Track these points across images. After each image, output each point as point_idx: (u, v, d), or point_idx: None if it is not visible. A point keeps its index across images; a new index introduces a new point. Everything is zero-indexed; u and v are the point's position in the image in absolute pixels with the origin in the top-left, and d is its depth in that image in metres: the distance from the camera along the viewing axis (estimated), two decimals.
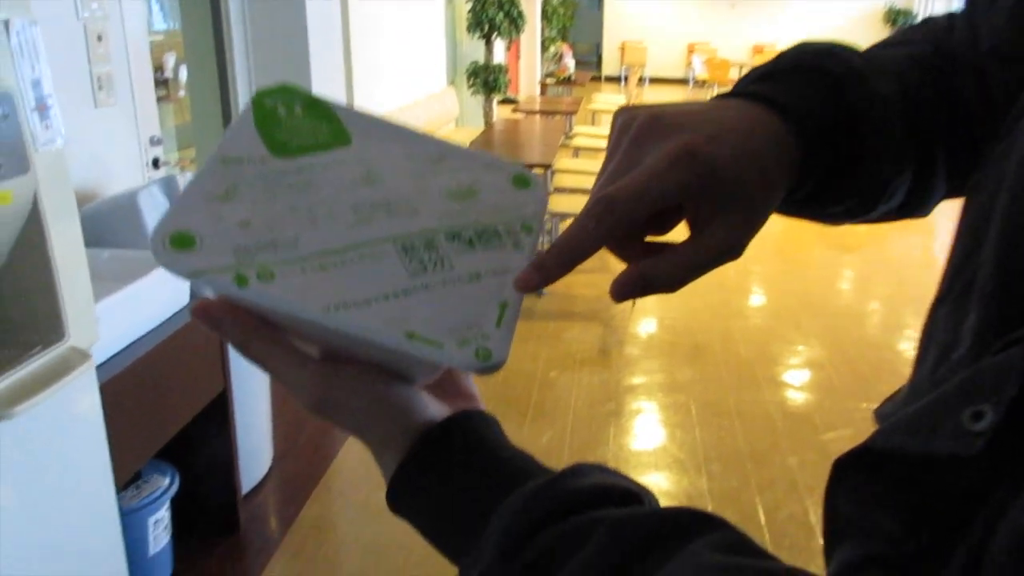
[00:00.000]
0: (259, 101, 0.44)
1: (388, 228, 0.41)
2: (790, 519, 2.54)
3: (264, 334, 0.40)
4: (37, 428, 1.39)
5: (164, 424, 1.93)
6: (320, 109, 0.45)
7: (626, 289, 0.39)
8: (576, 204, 4.47)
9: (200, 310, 0.39)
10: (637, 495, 0.38)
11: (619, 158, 0.41)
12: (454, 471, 0.40)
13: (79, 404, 1.51)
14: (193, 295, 2.07)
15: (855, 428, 3.10)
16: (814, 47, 0.46)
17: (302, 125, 0.44)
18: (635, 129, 0.41)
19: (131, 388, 1.76)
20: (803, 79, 0.44)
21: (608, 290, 0.39)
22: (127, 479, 1.94)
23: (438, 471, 0.40)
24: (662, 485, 2.71)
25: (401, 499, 0.41)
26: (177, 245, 0.37)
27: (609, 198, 0.38)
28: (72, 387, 1.41)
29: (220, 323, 0.39)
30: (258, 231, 0.39)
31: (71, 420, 1.50)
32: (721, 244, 0.39)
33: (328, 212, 0.41)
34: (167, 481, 2.04)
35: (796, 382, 3.56)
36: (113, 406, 1.62)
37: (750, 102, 0.43)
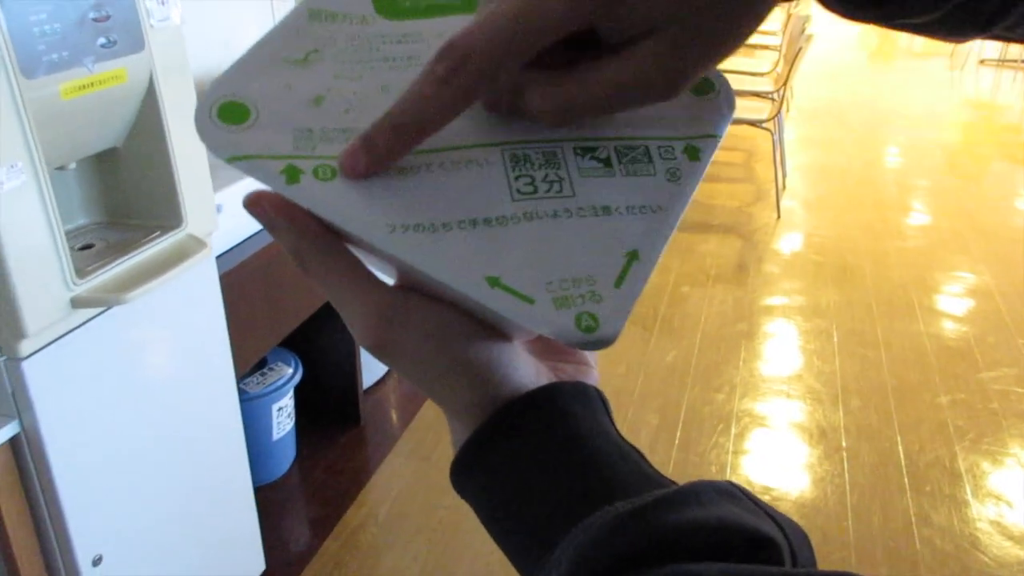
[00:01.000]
0: None
1: (504, 129, 0.30)
2: (934, 463, 2.33)
3: (325, 246, 0.30)
4: (156, 314, 1.41)
5: (286, 315, 1.95)
6: None
7: (550, 116, 0.29)
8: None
9: (253, 203, 0.30)
10: (771, 540, 0.26)
11: None
12: (532, 458, 0.30)
13: (198, 291, 1.52)
14: None
15: (1022, 368, 2.79)
16: None
17: None
18: None
19: (253, 278, 1.77)
20: None
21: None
22: (250, 366, 1.98)
23: (511, 455, 0.30)
24: (793, 416, 2.54)
25: (463, 480, 0.32)
26: (226, 117, 0.29)
27: (461, 45, 0.26)
28: (190, 274, 1.40)
29: (273, 224, 0.30)
30: (331, 112, 0.30)
31: (190, 307, 1.51)
32: (648, 76, 0.27)
33: None
34: (291, 370, 2.08)
35: (957, 312, 3.23)
36: (234, 295, 1.63)
37: None
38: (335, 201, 0.28)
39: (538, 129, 0.30)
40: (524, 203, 0.29)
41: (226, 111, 0.29)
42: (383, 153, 0.28)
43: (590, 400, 0.31)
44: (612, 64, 0.28)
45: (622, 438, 0.31)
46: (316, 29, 0.32)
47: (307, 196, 0.28)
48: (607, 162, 0.30)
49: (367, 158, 0.28)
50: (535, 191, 0.29)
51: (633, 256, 0.28)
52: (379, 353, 0.30)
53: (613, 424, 0.31)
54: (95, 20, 1.15)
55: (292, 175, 0.28)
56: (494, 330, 0.31)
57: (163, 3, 1.29)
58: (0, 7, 1.01)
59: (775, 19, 7.40)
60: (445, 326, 0.30)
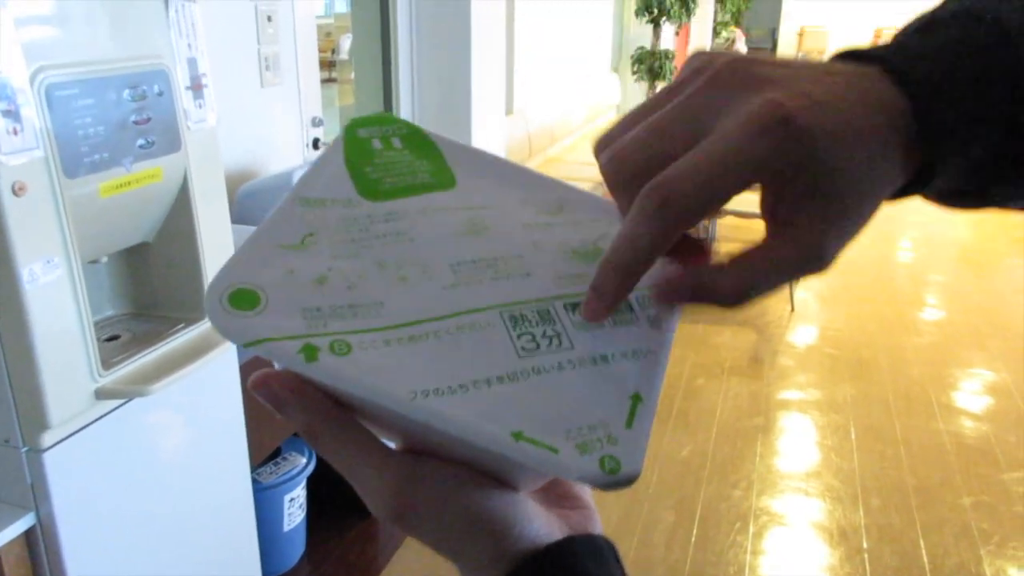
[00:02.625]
0: (351, 132, 0.37)
1: (494, 293, 0.33)
2: (960, 568, 2.26)
3: (336, 421, 0.31)
4: (176, 404, 1.42)
5: None
6: (422, 142, 0.38)
7: (674, 296, 0.31)
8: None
9: (260, 384, 0.31)
10: None
11: (683, 100, 0.30)
12: None
13: (218, 382, 1.53)
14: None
15: None
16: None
17: (399, 161, 0.37)
18: (713, 70, 0.30)
19: (272, 367, 1.78)
20: (959, 33, 0.31)
21: (651, 291, 0.31)
22: (265, 456, 1.98)
23: None
24: (812, 515, 2.49)
25: None
26: (237, 304, 0.30)
27: (665, 187, 0.28)
28: (212, 365, 1.42)
29: (282, 403, 0.31)
30: (336, 291, 0.32)
31: (210, 397, 1.52)
32: (804, 251, 0.30)
33: (422, 270, 0.33)
34: (304, 460, 2.08)
35: (975, 410, 3.19)
36: None
37: (867, 66, 0.31)
38: (355, 374, 0.29)
39: (524, 289, 0.33)
40: (530, 359, 0.30)
41: (236, 298, 0.30)
42: (612, 293, 0.30)
43: (601, 553, 0.33)
44: (788, 240, 0.30)
45: None
46: (308, 215, 0.34)
47: (327, 372, 0.29)
48: None
49: (600, 303, 0.30)
50: (538, 347, 0.31)
51: (636, 399, 0.30)
52: (400, 521, 0.31)
53: (624, 574, 0.32)
54: (136, 123, 1.21)
55: (310, 353, 0.29)
56: (505, 484, 0.32)
57: (200, 106, 1.35)
58: (50, 111, 1.07)
59: None
60: (461, 485, 0.31)
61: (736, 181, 0.28)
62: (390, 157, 0.37)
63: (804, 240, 0.29)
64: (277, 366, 0.32)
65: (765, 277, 0.30)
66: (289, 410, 0.31)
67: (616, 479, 0.28)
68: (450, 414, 0.28)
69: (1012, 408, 3.18)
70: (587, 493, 0.37)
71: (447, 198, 0.36)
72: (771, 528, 2.42)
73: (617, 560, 0.33)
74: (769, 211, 0.31)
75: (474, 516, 0.31)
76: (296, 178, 1.52)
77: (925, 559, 2.29)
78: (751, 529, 2.41)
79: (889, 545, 2.35)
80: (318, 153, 0.34)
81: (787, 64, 0.30)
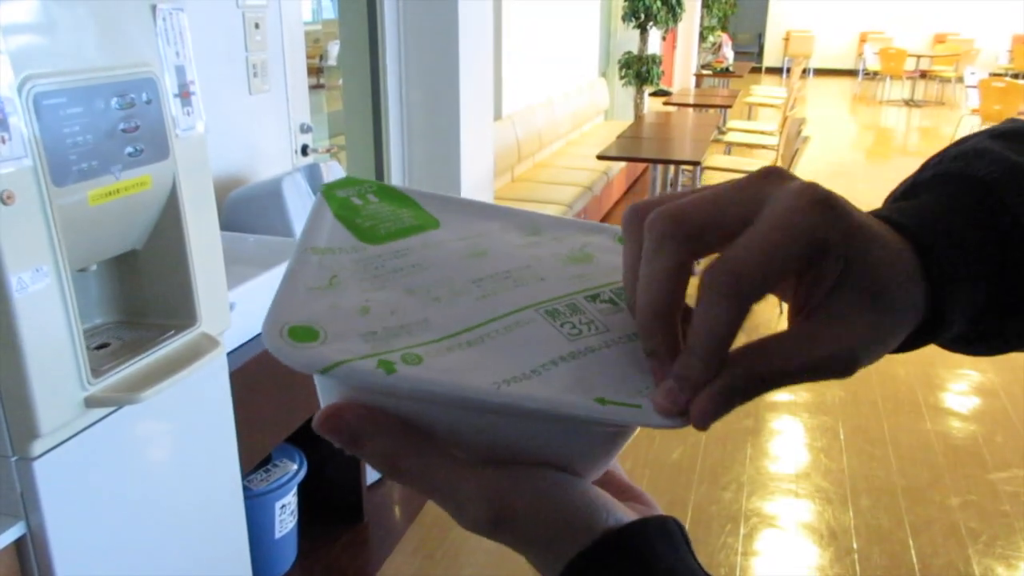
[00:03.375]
0: (329, 194, 0.40)
1: (521, 297, 0.35)
2: (948, 567, 2.28)
3: (418, 442, 0.32)
4: (166, 411, 1.42)
5: (293, 412, 1.96)
6: (395, 195, 0.41)
7: (719, 406, 0.29)
8: None
9: (333, 419, 0.31)
10: None
11: (738, 181, 0.31)
12: None
13: (209, 389, 1.53)
14: None
15: None
16: (958, 148, 0.35)
17: (382, 211, 0.39)
18: (761, 173, 0.32)
19: (263, 374, 1.78)
20: (944, 191, 0.34)
21: (691, 418, 0.30)
22: (255, 463, 1.98)
23: None
24: (802, 516, 2.51)
25: None
26: (298, 337, 0.31)
27: (733, 266, 0.29)
28: (202, 373, 1.42)
29: (358, 434, 0.31)
30: (381, 317, 0.33)
31: (200, 404, 1.52)
32: (830, 352, 0.30)
33: (449, 289, 0.35)
34: (295, 466, 2.08)
35: (963, 411, 3.21)
36: (243, 392, 1.64)
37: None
38: (437, 377, 0.30)
39: (545, 290, 0.35)
40: (578, 341, 0.33)
41: (296, 333, 0.31)
42: (699, 379, 0.29)
43: (672, 536, 0.33)
44: (824, 326, 0.30)
45: (704, 572, 0.33)
46: (324, 261, 0.36)
47: (410, 380, 0.30)
48: (613, 302, 0.36)
49: (688, 391, 0.29)
50: (580, 332, 0.33)
51: None
52: (498, 527, 0.31)
53: (695, 558, 0.33)
54: (124, 131, 1.21)
55: (388, 367, 0.30)
56: (583, 479, 0.34)
57: (189, 114, 1.35)
58: (38, 120, 1.07)
59: (772, 120, 7.62)
60: (555, 483, 0.32)
61: (797, 249, 0.29)
62: (372, 209, 0.39)
63: (841, 338, 0.30)
64: (332, 397, 0.32)
65: (790, 374, 0.30)
66: (366, 439, 0.31)
67: (686, 420, 0.30)
68: (536, 395, 0.30)
69: (999, 408, 3.21)
70: (637, 485, 0.38)
71: (440, 234, 0.39)
72: (761, 529, 2.43)
73: (687, 543, 0.34)
74: (799, 297, 0.31)
75: (572, 510, 0.32)
76: (285, 185, 1.54)
77: (914, 559, 2.31)
78: (742, 531, 2.42)
79: (878, 545, 2.37)
80: (307, 215, 0.37)
81: None
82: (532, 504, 0.31)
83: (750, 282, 0.28)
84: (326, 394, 0.33)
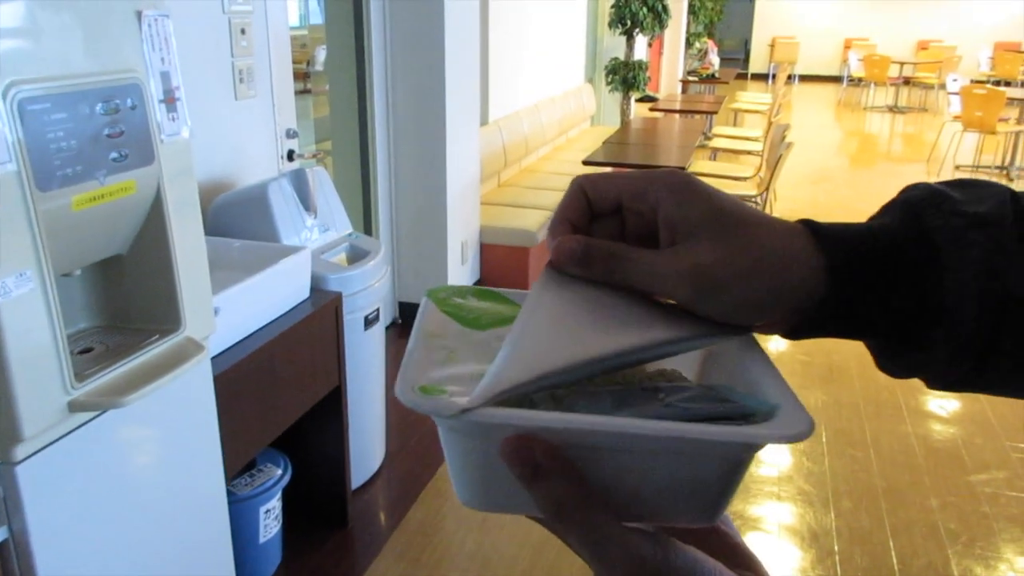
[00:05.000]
0: (433, 296, 0.44)
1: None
2: (928, 568, 2.31)
3: (585, 493, 0.34)
4: (150, 416, 1.43)
5: (278, 416, 1.96)
6: (493, 295, 0.45)
7: (562, 252, 0.39)
8: None
9: (522, 450, 0.33)
10: None
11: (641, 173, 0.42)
12: None
13: (193, 393, 1.53)
14: (314, 290, 2.09)
15: (1011, 470, 2.79)
16: (919, 192, 0.40)
17: (482, 307, 0.44)
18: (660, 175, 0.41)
19: (247, 379, 1.79)
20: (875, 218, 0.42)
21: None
22: (240, 468, 1.98)
23: None
24: (784, 518, 2.53)
25: None
26: (429, 392, 0.34)
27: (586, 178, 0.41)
28: (186, 376, 1.43)
29: (540, 472, 0.33)
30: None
31: (184, 409, 1.53)
32: (685, 260, 0.37)
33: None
34: (280, 471, 2.08)
35: (943, 414, 3.25)
36: (228, 396, 1.65)
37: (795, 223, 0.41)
38: (587, 415, 0.34)
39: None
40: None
41: (426, 389, 0.34)
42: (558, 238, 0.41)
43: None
44: (672, 251, 0.38)
45: None
46: (438, 342, 0.40)
47: (563, 419, 0.33)
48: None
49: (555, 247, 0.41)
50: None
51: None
52: None
53: None
54: (109, 136, 1.22)
55: (532, 405, 0.35)
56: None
57: (174, 119, 1.36)
58: (22, 125, 1.07)
59: (757, 127, 7.68)
60: (699, 560, 0.34)
61: (622, 183, 0.40)
62: (474, 306, 0.43)
63: (686, 259, 0.38)
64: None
65: (639, 268, 0.38)
66: (546, 478, 0.33)
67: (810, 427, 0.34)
68: (684, 426, 0.33)
69: (978, 411, 3.25)
70: (750, 551, 0.41)
71: (533, 300, 0.42)
72: (745, 532, 2.45)
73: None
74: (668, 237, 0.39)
75: (708, 569, 0.34)
76: (270, 190, 1.57)
77: (894, 560, 2.34)
78: None
79: (860, 547, 2.39)
80: (417, 315, 0.41)
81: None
82: (689, 567, 0.34)
83: (589, 180, 0.41)
84: (452, 450, 0.36)
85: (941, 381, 0.40)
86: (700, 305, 0.38)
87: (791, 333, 0.41)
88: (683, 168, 0.38)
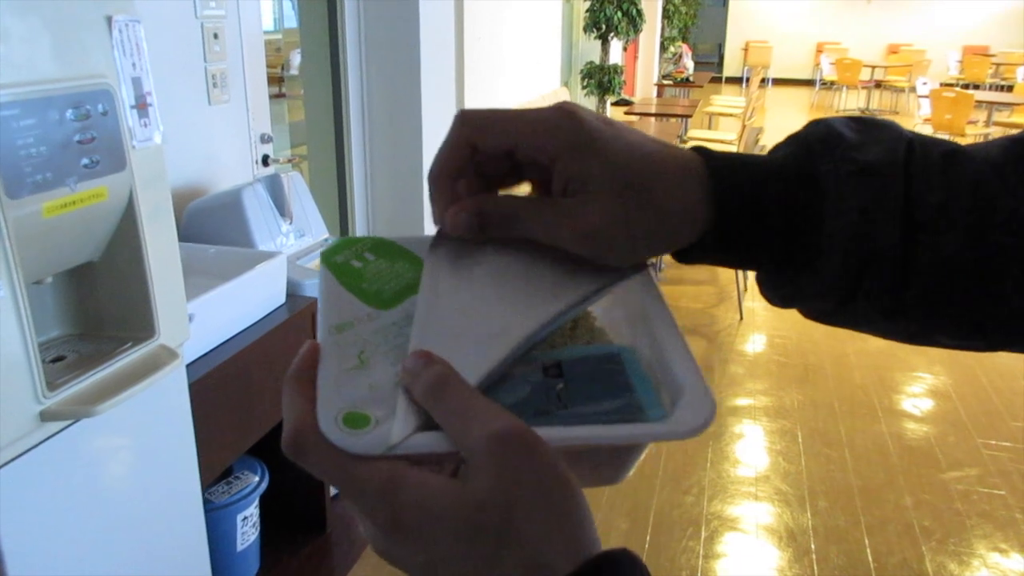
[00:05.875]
0: (329, 262, 0.42)
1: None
2: (903, 565, 2.34)
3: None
4: (124, 424, 1.41)
5: (255, 422, 1.95)
6: (389, 248, 0.43)
7: (457, 223, 0.40)
8: None
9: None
10: None
11: (531, 111, 0.41)
12: None
13: (167, 401, 1.52)
14: (290, 296, 2.09)
15: (983, 468, 2.83)
16: (818, 131, 0.42)
17: (382, 270, 0.42)
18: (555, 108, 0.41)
19: (223, 386, 1.77)
20: (773, 150, 0.43)
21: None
22: (216, 475, 1.96)
23: None
24: (762, 518, 2.55)
25: None
26: (353, 424, 0.34)
27: (467, 115, 0.40)
28: (160, 385, 1.41)
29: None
30: None
31: (159, 417, 1.51)
32: (582, 221, 0.38)
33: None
34: (257, 478, 2.06)
35: (916, 413, 3.30)
36: (203, 403, 1.63)
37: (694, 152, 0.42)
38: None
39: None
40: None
41: (350, 420, 0.34)
42: (435, 200, 0.42)
43: (640, 573, 0.34)
44: (567, 203, 0.39)
45: None
46: (347, 338, 0.38)
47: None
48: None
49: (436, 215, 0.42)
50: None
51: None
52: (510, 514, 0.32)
53: None
54: (80, 142, 1.21)
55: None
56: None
57: (146, 125, 1.35)
58: None
59: (731, 130, 7.74)
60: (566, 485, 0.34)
61: (521, 129, 0.39)
62: (372, 269, 0.42)
63: (584, 212, 0.38)
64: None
65: (541, 223, 0.39)
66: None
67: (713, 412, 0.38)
68: (599, 433, 0.35)
69: (951, 410, 3.30)
70: None
71: (427, 290, 0.41)
72: (722, 533, 2.47)
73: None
74: (563, 184, 0.39)
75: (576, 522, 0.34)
76: (245, 195, 1.56)
77: (870, 558, 2.36)
78: (703, 534, 2.46)
79: (836, 545, 2.42)
80: (318, 289, 0.40)
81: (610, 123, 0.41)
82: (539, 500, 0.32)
83: (467, 124, 0.40)
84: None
85: (812, 314, 0.43)
86: (598, 260, 0.39)
87: (678, 256, 0.42)
88: (571, 105, 0.39)
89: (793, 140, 0.42)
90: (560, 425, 0.34)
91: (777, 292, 0.43)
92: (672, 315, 0.40)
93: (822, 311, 0.43)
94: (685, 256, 0.42)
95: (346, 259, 0.42)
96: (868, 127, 0.41)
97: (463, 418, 0.32)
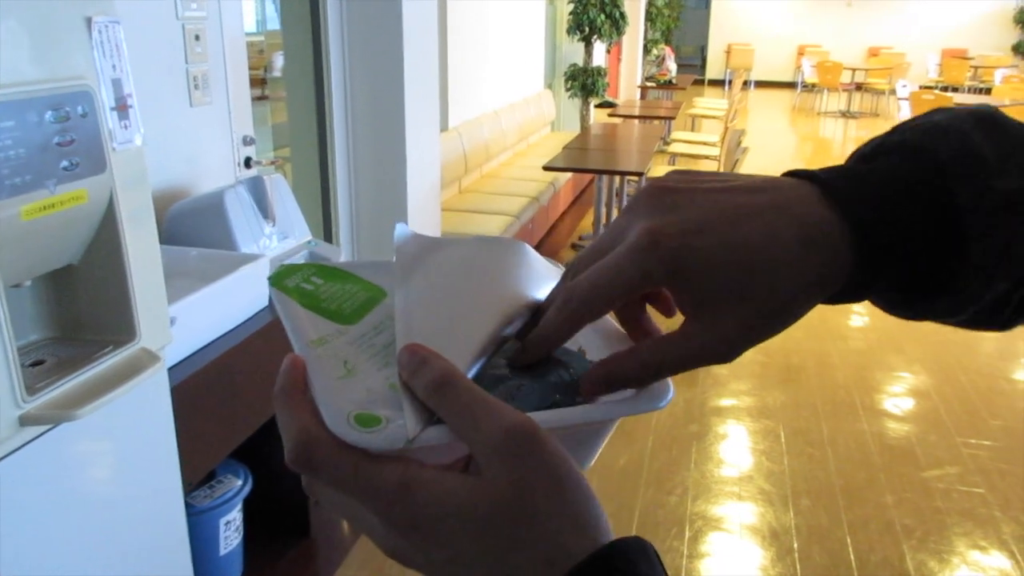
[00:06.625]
0: (280, 285, 0.42)
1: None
2: (884, 564, 2.36)
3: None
4: (105, 428, 1.40)
5: (238, 426, 1.94)
6: (333, 273, 0.43)
7: (593, 387, 0.38)
8: None
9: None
10: None
11: (611, 227, 0.39)
12: None
13: (149, 405, 1.51)
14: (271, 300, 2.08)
15: (963, 466, 2.86)
16: (929, 120, 0.38)
17: (334, 291, 0.42)
18: (636, 197, 0.39)
19: (205, 389, 1.76)
20: (899, 161, 0.38)
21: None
22: (199, 479, 1.95)
23: None
24: (745, 518, 2.57)
25: None
26: (366, 424, 0.34)
27: (569, 289, 0.37)
28: (142, 388, 1.40)
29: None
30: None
31: (140, 420, 1.50)
32: (702, 346, 0.37)
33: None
34: (240, 482, 2.05)
35: (897, 412, 3.33)
36: (186, 407, 1.62)
37: (810, 185, 0.38)
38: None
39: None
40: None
41: (361, 420, 0.34)
42: (535, 356, 0.39)
43: (651, 559, 0.34)
44: (687, 336, 0.37)
45: None
46: (327, 351, 0.38)
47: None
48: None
49: (527, 360, 0.39)
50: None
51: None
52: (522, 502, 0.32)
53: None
54: (59, 144, 1.20)
55: None
56: None
57: (126, 127, 1.34)
58: None
59: (714, 132, 7.79)
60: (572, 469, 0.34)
61: (619, 291, 0.36)
62: (325, 291, 0.42)
63: (701, 339, 0.37)
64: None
65: (664, 365, 0.37)
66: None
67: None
68: (579, 413, 0.38)
69: (931, 409, 3.33)
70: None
71: (391, 301, 0.42)
72: (706, 532, 2.48)
73: (661, 564, 0.34)
74: (679, 306, 0.38)
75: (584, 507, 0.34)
76: (227, 198, 1.55)
77: (852, 556, 2.38)
78: (687, 534, 2.47)
79: (818, 544, 2.43)
80: (280, 312, 0.40)
81: (708, 187, 0.38)
82: (553, 488, 0.33)
83: (577, 305, 0.37)
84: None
85: (963, 321, 0.40)
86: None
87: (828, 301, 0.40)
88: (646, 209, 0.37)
89: (917, 148, 0.38)
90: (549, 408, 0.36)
91: (906, 311, 0.41)
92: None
93: (940, 317, 0.40)
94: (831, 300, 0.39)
95: (296, 283, 0.42)
96: (999, 131, 0.37)
97: (471, 415, 0.33)
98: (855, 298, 0.39)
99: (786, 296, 0.36)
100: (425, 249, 0.43)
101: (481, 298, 0.40)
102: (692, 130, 8.49)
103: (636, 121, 7.24)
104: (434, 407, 0.34)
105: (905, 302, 0.40)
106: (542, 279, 0.42)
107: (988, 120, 0.37)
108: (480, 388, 0.34)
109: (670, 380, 0.38)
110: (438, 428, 0.34)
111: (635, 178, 5.01)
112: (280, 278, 0.42)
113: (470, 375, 0.36)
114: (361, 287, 0.42)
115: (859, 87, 13.01)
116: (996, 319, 0.39)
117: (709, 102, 9.73)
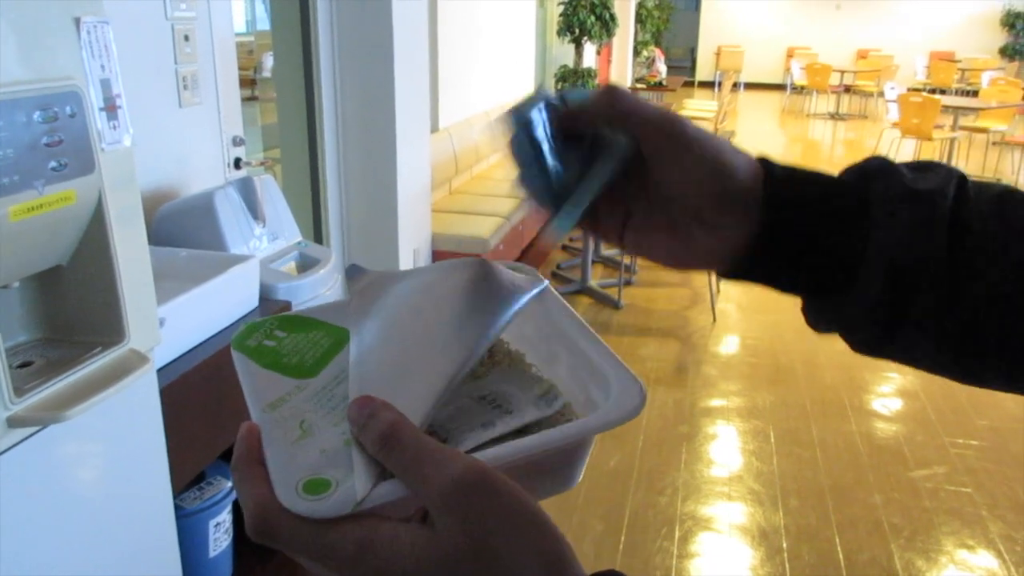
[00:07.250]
0: (242, 347, 0.41)
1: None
2: (872, 563, 2.37)
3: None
4: (93, 429, 1.39)
5: (227, 427, 1.93)
6: (297, 321, 0.43)
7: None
8: None
9: None
10: None
11: None
12: None
13: (137, 406, 1.50)
14: (263, 299, 2.07)
15: (950, 465, 2.88)
16: (877, 163, 0.43)
17: (298, 341, 0.42)
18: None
19: (194, 391, 1.76)
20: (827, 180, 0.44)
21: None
22: (188, 481, 1.94)
23: None
24: (735, 518, 2.57)
25: None
26: (314, 491, 0.33)
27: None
28: (131, 390, 1.40)
29: None
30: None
31: (129, 422, 1.49)
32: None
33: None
34: (229, 484, 2.04)
35: (885, 412, 3.34)
36: (174, 409, 1.62)
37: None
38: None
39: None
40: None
41: (310, 487, 0.33)
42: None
43: None
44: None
45: None
46: (283, 412, 0.38)
47: None
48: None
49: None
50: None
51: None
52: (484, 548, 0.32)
53: None
54: (47, 145, 1.19)
55: None
56: None
57: (115, 127, 1.34)
58: None
59: None
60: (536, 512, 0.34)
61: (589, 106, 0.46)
62: (287, 344, 0.41)
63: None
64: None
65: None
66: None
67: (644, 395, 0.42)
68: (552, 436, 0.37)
69: (919, 409, 3.35)
70: None
71: (355, 345, 0.41)
72: (696, 533, 2.49)
73: None
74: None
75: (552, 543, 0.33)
76: (216, 199, 1.55)
77: (840, 555, 2.39)
78: (677, 534, 2.47)
79: (807, 544, 2.45)
80: (240, 377, 0.40)
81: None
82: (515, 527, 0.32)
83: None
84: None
85: (858, 342, 0.44)
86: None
87: (726, 273, 0.43)
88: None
89: (851, 168, 0.44)
90: (510, 440, 0.35)
91: (822, 316, 0.44)
92: (581, 320, 0.42)
93: (871, 339, 0.43)
94: (735, 269, 0.43)
95: (258, 341, 0.42)
96: (922, 168, 0.42)
97: (418, 467, 0.32)
98: (762, 273, 0.43)
99: (733, 161, 0.43)
100: (380, 287, 0.42)
101: (438, 337, 0.39)
102: None
103: None
104: (383, 462, 0.33)
105: (818, 306, 0.44)
106: (505, 300, 0.41)
107: (914, 163, 0.43)
108: (428, 437, 0.34)
109: (639, 388, 0.40)
110: (391, 483, 0.33)
111: None
112: (242, 339, 0.42)
113: (423, 421, 0.35)
114: (324, 332, 0.42)
115: (848, 89, 13.07)
116: (884, 338, 0.43)
117: (699, 104, 9.76)
